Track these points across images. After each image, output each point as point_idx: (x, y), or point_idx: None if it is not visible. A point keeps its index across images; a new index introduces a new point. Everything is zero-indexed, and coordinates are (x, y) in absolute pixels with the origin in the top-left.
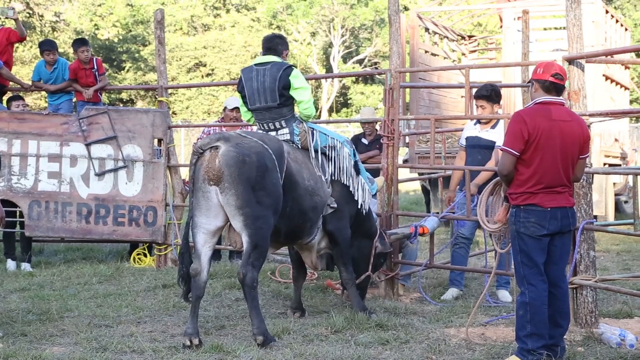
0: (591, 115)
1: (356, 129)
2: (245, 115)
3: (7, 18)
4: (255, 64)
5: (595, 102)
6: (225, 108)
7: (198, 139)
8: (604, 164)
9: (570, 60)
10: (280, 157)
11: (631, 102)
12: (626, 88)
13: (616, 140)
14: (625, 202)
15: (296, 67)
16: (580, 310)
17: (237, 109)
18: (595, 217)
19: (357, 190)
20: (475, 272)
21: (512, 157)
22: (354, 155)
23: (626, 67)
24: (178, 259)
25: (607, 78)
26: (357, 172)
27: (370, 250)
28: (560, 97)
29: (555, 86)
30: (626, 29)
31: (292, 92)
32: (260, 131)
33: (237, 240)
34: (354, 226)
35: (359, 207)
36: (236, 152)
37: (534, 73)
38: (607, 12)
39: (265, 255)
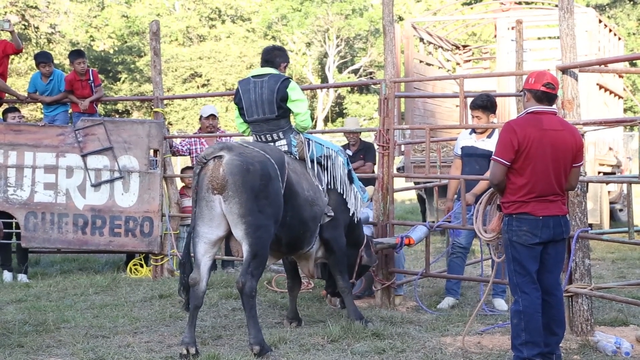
0: (585, 124)
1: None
2: (241, 126)
3: (2, 30)
4: (253, 76)
5: (589, 111)
6: (200, 117)
7: (175, 148)
8: (599, 173)
9: (564, 70)
10: (282, 167)
11: (625, 110)
12: (620, 97)
13: (610, 148)
14: (620, 210)
15: (292, 79)
16: (576, 318)
17: (212, 116)
18: (590, 225)
19: (351, 198)
20: (471, 280)
21: (503, 167)
22: (348, 164)
23: (620, 76)
24: (179, 268)
25: (600, 87)
26: (351, 180)
27: (356, 258)
28: (553, 107)
29: (547, 95)
30: (619, 38)
31: (289, 104)
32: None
33: (238, 249)
34: (345, 234)
35: (352, 215)
36: (240, 161)
37: (525, 82)
38: (600, 21)
39: (265, 264)
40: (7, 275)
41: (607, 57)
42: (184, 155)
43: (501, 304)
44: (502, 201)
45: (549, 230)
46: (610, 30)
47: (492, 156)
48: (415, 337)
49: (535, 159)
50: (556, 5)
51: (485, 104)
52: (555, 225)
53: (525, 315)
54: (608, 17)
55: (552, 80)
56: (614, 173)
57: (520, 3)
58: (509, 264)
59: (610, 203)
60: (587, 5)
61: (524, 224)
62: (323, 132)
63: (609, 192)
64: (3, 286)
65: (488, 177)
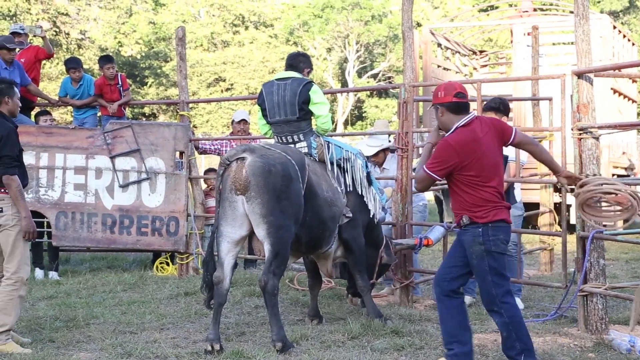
0: (600, 127)
1: None
2: (263, 128)
3: (35, 36)
4: (276, 79)
5: (603, 115)
6: (233, 121)
7: (201, 149)
8: (612, 175)
9: (580, 74)
10: (302, 168)
11: (638, 114)
12: (633, 101)
13: (624, 152)
14: None
15: (315, 83)
16: (591, 317)
17: (243, 121)
18: (605, 226)
19: (370, 200)
20: None
21: (432, 180)
22: (366, 166)
23: (633, 81)
24: (202, 267)
25: (615, 91)
26: (369, 182)
27: (376, 259)
28: (472, 112)
29: (459, 105)
30: (633, 44)
31: (311, 107)
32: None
33: (260, 249)
34: (364, 235)
35: (371, 216)
36: (262, 162)
37: (435, 97)
38: (614, 27)
39: (286, 263)
40: (38, 273)
41: (621, 62)
42: (211, 154)
43: (517, 302)
44: (473, 213)
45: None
46: (624, 36)
47: (424, 166)
48: (434, 334)
49: (487, 168)
50: (571, 12)
51: (498, 106)
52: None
53: (513, 325)
54: (622, 23)
55: (461, 89)
56: (628, 175)
57: (536, 10)
58: (485, 276)
59: None
60: (601, 12)
61: (500, 232)
62: (343, 135)
63: None
64: (35, 283)
65: (506, 179)
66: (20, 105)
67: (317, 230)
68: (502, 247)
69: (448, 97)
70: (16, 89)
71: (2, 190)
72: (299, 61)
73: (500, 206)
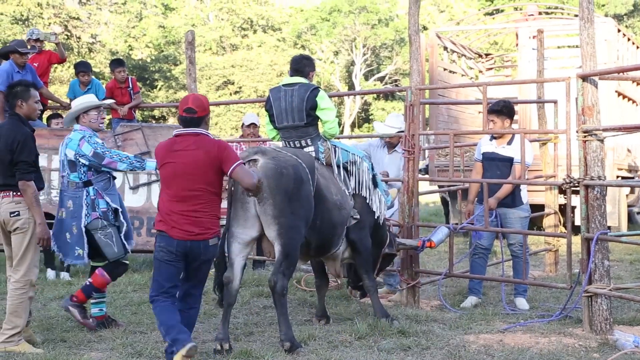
0: (604, 130)
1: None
2: (271, 133)
3: (49, 42)
4: (283, 85)
5: (608, 118)
6: (242, 124)
7: None
8: (617, 177)
9: (584, 77)
10: (312, 171)
11: None
12: (638, 103)
13: (629, 151)
14: (638, 213)
15: (321, 88)
16: (595, 317)
17: (253, 124)
18: (609, 227)
19: (375, 202)
20: (493, 280)
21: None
22: (372, 169)
23: (638, 84)
24: (214, 267)
25: (619, 94)
26: (375, 184)
27: (378, 256)
28: (197, 129)
29: (186, 119)
30: (637, 47)
31: (318, 113)
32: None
33: (270, 250)
34: (369, 235)
35: (377, 217)
36: (274, 164)
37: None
38: (619, 30)
39: (295, 264)
40: (50, 274)
41: (626, 65)
42: None
43: (522, 303)
44: (157, 218)
45: (186, 250)
46: (628, 39)
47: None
48: (439, 334)
49: (167, 179)
50: (576, 15)
51: (501, 108)
52: (193, 247)
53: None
54: (626, 26)
55: (193, 104)
56: (632, 177)
57: (541, 13)
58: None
59: (628, 206)
60: (606, 15)
61: (161, 240)
62: (350, 138)
63: (626, 195)
64: (47, 283)
65: (511, 181)
66: (41, 108)
67: (326, 234)
68: (161, 255)
69: (180, 111)
70: (33, 92)
71: (18, 193)
72: (303, 65)
73: (167, 218)
